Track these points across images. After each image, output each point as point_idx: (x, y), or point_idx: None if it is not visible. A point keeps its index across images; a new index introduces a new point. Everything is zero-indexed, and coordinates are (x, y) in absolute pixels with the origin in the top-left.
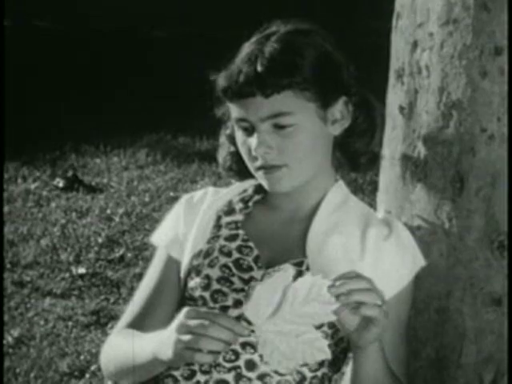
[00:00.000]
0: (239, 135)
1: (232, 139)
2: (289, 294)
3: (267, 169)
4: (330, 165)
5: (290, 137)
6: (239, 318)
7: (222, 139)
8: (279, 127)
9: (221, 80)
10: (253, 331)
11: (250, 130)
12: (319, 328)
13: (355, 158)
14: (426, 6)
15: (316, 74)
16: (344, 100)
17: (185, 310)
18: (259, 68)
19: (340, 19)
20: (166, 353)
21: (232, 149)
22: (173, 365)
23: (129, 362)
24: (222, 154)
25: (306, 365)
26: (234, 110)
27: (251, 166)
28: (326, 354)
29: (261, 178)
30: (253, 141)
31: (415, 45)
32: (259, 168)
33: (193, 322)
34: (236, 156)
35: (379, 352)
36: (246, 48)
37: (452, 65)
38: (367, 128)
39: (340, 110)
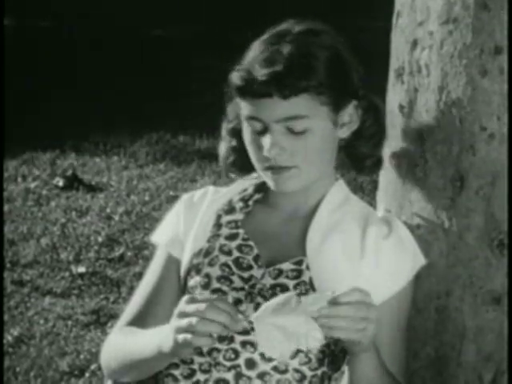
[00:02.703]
0: (248, 133)
1: (234, 133)
2: (292, 301)
3: (276, 169)
4: (332, 165)
5: (302, 139)
6: None
7: (224, 133)
8: (292, 129)
9: (235, 78)
10: (251, 324)
11: (261, 130)
12: None
13: (361, 161)
14: (426, 5)
15: (330, 77)
16: (354, 104)
17: (184, 297)
18: (278, 69)
19: (338, 18)
20: (168, 343)
21: (233, 143)
22: (175, 355)
23: (132, 357)
24: (223, 148)
25: (306, 363)
26: (246, 108)
27: (259, 165)
28: (320, 341)
29: (267, 178)
30: (266, 141)
31: (415, 43)
32: (268, 168)
33: (190, 307)
34: (237, 150)
35: (373, 359)
36: (259, 46)
37: (452, 64)
38: (375, 132)
39: (350, 113)
